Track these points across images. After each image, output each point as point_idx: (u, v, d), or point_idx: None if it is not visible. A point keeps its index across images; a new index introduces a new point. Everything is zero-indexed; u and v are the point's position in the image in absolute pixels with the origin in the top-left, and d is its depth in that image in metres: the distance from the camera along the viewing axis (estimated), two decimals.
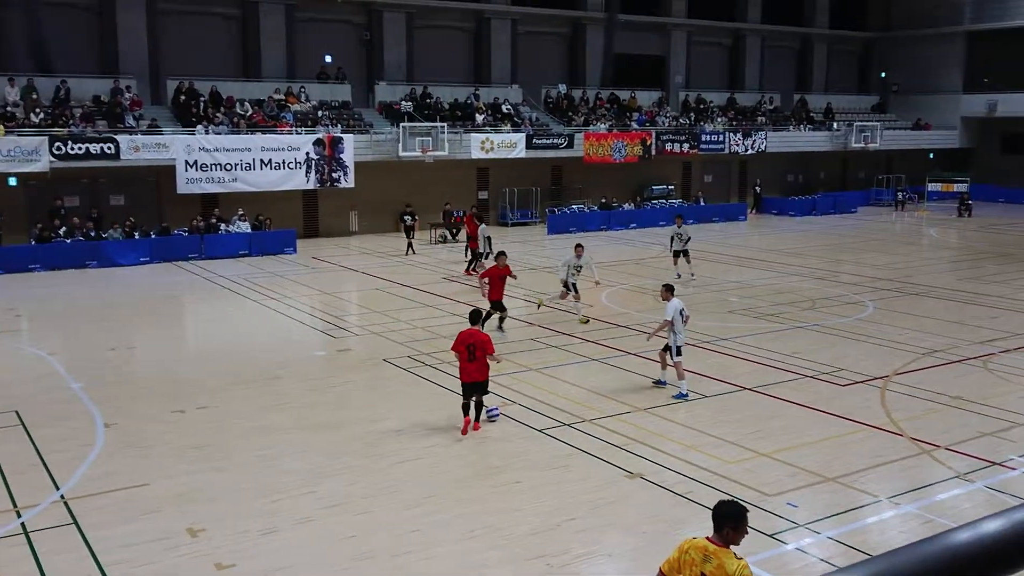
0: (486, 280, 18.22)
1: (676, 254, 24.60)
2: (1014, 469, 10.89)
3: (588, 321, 19.20)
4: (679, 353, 13.86)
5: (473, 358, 12.12)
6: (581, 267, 19.45)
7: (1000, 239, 34.22)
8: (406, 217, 30.50)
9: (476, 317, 12.80)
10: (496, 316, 17.98)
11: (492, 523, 9.46)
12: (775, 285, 23.90)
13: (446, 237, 33.59)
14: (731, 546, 5.55)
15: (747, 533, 5.65)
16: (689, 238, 24.76)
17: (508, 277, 18.26)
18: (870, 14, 53.42)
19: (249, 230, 30.43)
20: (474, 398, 12.32)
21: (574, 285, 19.33)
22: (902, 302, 21.60)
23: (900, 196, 45.69)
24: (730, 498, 6.76)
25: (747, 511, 5.68)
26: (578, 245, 19.87)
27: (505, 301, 18.24)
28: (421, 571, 8.47)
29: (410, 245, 29.99)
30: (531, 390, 14.24)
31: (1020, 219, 40.81)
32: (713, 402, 13.73)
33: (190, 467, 11.08)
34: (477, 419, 12.40)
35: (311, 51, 36.69)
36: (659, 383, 14.43)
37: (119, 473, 10.86)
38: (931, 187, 48.31)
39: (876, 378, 14.89)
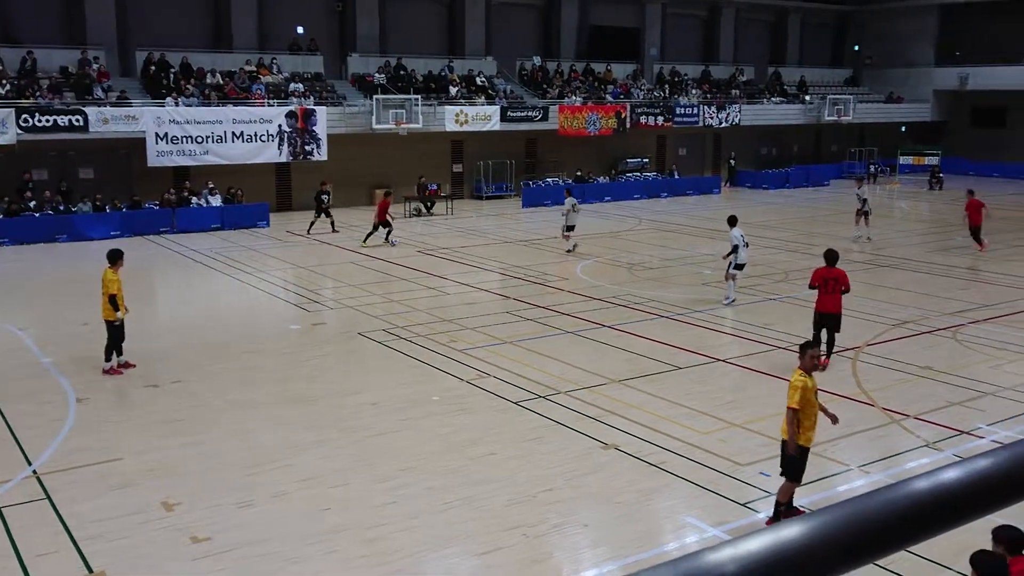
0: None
1: (859, 213, 26.63)
2: (982, 437, 11.06)
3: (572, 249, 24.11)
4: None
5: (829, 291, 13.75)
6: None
7: None
8: (324, 197, 28.63)
9: (833, 257, 14.10)
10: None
11: (468, 495, 9.50)
12: (749, 258, 23.94)
13: (420, 210, 33.44)
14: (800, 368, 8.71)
15: (804, 359, 8.82)
16: (866, 199, 26.62)
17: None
18: None
19: (220, 203, 30.14)
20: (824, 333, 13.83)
21: (572, 227, 24.35)
22: (873, 274, 21.80)
23: (872, 169, 45.97)
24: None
25: (806, 346, 9.06)
26: (567, 188, 25.36)
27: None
28: (396, 543, 8.49)
29: (318, 223, 28.41)
30: (506, 363, 14.26)
31: (989, 192, 41.06)
32: (687, 373, 13.83)
33: (164, 442, 11.03)
34: (828, 354, 13.77)
35: (282, 22, 36.18)
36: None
37: (91, 448, 10.79)
38: (903, 160, 48.68)
39: (848, 349, 15.04)
